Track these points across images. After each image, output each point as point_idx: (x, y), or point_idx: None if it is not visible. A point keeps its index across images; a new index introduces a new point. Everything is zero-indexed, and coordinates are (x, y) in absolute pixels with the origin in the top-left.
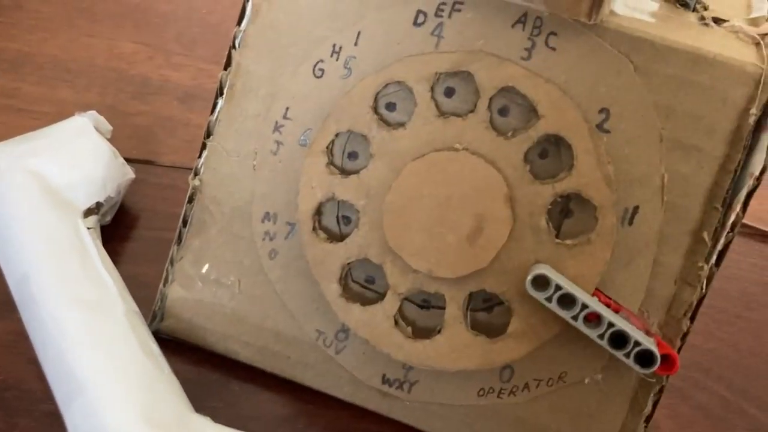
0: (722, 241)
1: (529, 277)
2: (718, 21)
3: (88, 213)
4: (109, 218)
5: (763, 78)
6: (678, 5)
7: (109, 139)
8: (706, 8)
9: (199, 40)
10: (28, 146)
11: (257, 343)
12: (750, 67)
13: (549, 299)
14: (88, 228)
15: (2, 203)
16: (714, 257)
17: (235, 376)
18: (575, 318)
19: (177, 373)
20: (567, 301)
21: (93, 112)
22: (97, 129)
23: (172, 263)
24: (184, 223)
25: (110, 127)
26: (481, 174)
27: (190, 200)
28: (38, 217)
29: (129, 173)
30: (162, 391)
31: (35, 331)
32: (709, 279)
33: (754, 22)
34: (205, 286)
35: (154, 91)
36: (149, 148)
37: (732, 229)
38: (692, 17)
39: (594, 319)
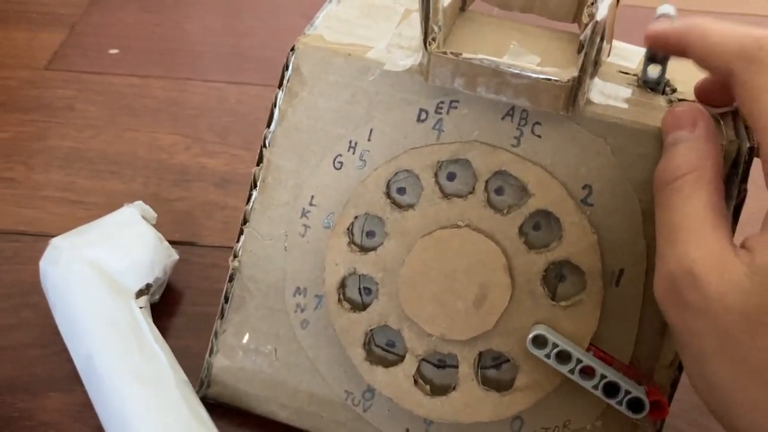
0: None
1: (529, 337)
2: (683, 102)
3: (139, 294)
4: (157, 297)
5: (725, 154)
6: (649, 90)
7: (154, 225)
8: (674, 90)
9: (230, 129)
10: (85, 238)
11: (293, 404)
12: None
13: (548, 356)
14: (140, 307)
15: (65, 290)
16: None
17: None
18: (572, 371)
19: (223, 429)
20: (564, 356)
21: (140, 202)
22: (143, 217)
23: (216, 336)
24: (226, 299)
25: (155, 215)
26: (482, 247)
27: (231, 279)
28: (97, 301)
29: (174, 255)
30: None
31: (100, 403)
32: None
33: None
34: (246, 355)
35: (193, 177)
36: (191, 231)
37: None
38: (661, 100)
39: (589, 371)
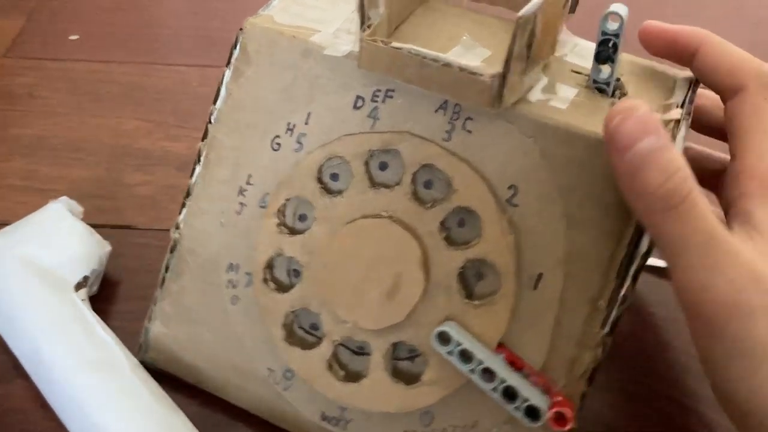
0: (615, 312)
1: (434, 333)
2: (628, 100)
3: (78, 287)
4: (95, 288)
5: None
6: (597, 92)
7: (81, 219)
8: (624, 94)
9: (192, 112)
10: (13, 237)
11: (221, 375)
12: None
13: (451, 353)
14: (81, 300)
15: (3, 288)
16: (608, 326)
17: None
18: (473, 371)
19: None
20: (467, 356)
21: (65, 198)
22: (70, 211)
23: (155, 303)
24: (166, 269)
25: (81, 209)
26: (400, 239)
27: (172, 250)
28: (38, 295)
29: (107, 246)
30: (174, 428)
31: (54, 395)
32: (604, 345)
33: (667, 107)
34: (181, 324)
35: (156, 162)
36: (153, 214)
37: (623, 301)
38: (605, 103)
39: (490, 373)
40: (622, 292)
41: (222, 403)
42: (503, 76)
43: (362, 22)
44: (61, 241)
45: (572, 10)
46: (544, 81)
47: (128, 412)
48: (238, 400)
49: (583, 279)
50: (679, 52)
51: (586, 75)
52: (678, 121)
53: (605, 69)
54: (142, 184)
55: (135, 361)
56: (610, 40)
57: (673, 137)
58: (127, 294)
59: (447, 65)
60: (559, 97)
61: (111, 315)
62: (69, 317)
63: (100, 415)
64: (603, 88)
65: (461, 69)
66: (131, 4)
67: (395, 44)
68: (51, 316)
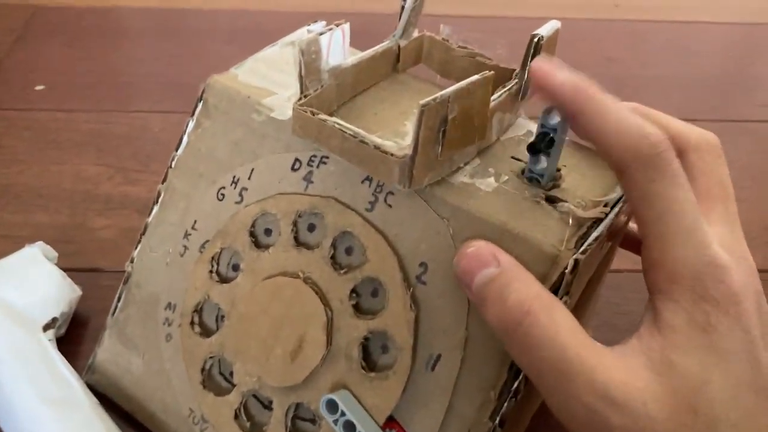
0: (506, 405)
1: (323, 400)
2: (554, 200)
3: (46, 328)
4: (63, 330)
5: (559, 260)
6: (528, 181)
7: (56, 263)
8: (557, 186)
9: (153, 157)
10: None
11: (150, 408)
12: (548, 248)
13: (336, 422)
14: (49, 340)
15: None
16: (498, 417)
17: None
18: None
19: None
20: (350, 427)
21: (41, 242)
22: (45, 256)
23: (105, 330)
24: (119, 299)
25: (56, 254)
26: (309, 302)
27: (125, 282)
28: (5, 333)
29: (77, 291)
30: None
31: (13, 430)
32: None
33: (597, 204)
34: (122, 353)
35: (116, 206)
36: (115, 257)
37: (515, 395)
38: (529, 193)
39: None
40: (514, 386)
41: None
42: (412, 159)
43: (301, 91)
44: (33, 283)
45: (523, 96)
46: (476, 163)
47: None
48: None
49: (478, 367)
50: (559, 109)
51: (525, 162)
52: (599, 220)
53: (542, 160)
54: (105, 227)
55: (95, 400)
56: (548, 134)
57: (585, 237)
58: (93, 335)
59: (363, 142)
60: (485, 182)
61: (77, 355)
62: (34, 355)
63: None
64: (536, 179)
65: (375, 147)
66: (95, 54)
67: (322, 116)
68: (15, 353)
